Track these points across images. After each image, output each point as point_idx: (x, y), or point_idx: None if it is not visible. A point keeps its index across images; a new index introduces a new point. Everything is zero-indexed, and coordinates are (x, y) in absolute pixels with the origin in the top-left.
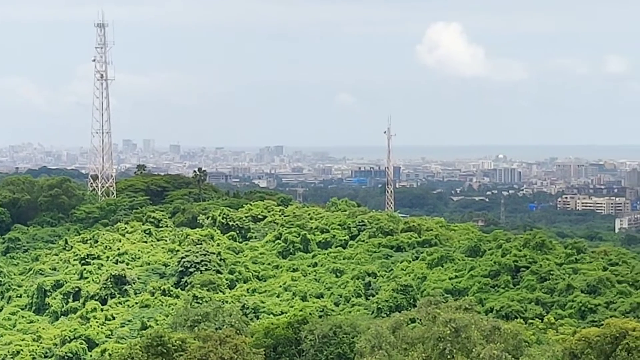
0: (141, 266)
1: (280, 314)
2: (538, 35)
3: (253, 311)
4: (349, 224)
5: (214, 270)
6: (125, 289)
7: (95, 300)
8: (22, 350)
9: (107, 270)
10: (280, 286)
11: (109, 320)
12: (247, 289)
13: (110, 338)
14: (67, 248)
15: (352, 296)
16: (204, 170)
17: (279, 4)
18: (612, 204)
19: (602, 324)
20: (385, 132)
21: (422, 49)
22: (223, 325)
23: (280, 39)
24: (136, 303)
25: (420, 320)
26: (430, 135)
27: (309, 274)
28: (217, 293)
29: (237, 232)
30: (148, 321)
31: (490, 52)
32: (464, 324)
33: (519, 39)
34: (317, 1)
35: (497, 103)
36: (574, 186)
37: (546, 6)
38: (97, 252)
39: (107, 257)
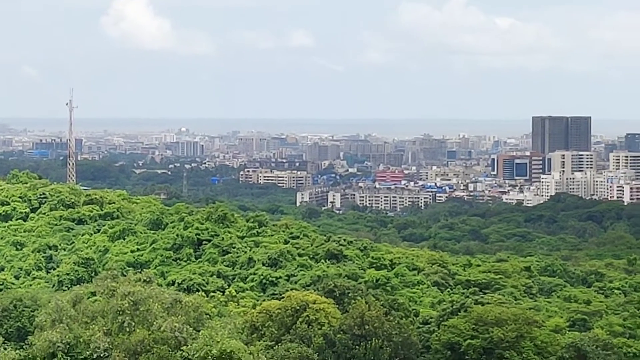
0: None
1: None
2: (224, 8)
3: None
4: (30, 197)
5: None
6: None
7: None
8: None
9: None
10: None
11: None
12: None
13: None
14: None
15: (33, 269)
16: None
17: None
18: (293, 177)
19: (283, 297)
20: (67, 104)
21: (107, 20)
22: None
23: None
24: None
25: (100, 293)
26: (113, 108)
27: None
28: None
29: None
30: None
31: (176, 24)
32: (143, 297)
33: (206, 12)
34: None
35: (181, 76)
36: (256, 160)
37: None
38: None
39: None
